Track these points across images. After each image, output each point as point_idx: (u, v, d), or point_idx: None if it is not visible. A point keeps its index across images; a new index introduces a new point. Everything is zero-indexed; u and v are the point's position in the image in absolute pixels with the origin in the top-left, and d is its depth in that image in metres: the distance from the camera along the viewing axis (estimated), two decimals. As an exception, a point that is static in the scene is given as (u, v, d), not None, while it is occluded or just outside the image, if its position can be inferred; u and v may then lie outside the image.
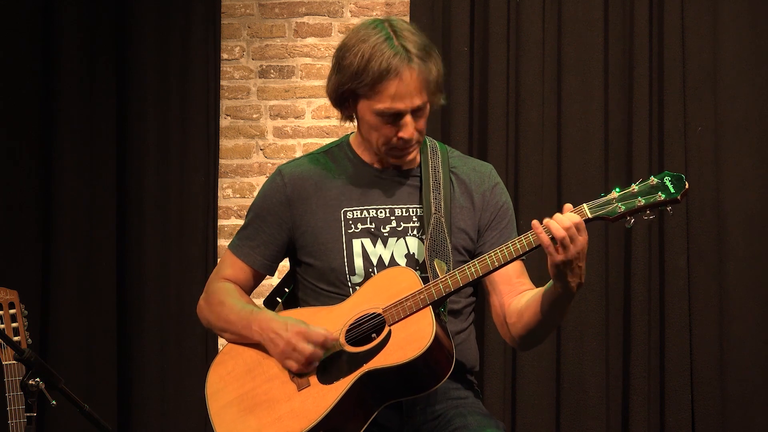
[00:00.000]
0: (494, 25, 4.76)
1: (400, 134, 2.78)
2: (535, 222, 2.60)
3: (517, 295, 2.84)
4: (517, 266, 2.87)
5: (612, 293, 4.67)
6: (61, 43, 4.90)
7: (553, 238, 2.58)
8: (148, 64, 5.04)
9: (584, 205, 2.63)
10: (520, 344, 2.87)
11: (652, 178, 2.62)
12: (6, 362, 3.48)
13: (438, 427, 2.78)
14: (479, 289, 2.94)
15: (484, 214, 2.89)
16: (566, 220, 2.58)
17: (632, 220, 2.63)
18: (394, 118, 2.76)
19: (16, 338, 3.54)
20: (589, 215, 2.62)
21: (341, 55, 2.79)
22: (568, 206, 2.62)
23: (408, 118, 2.76)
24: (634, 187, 2.63)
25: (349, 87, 2.78)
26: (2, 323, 3.54)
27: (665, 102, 4.66)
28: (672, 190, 2.61)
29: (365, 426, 2.68)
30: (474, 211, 2.89)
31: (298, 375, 2.75)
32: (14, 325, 3.55)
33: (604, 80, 4.72)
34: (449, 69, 4.74)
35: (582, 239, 2.58)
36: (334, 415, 2.66)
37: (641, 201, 2.61)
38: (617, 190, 2.63)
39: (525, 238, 2.65)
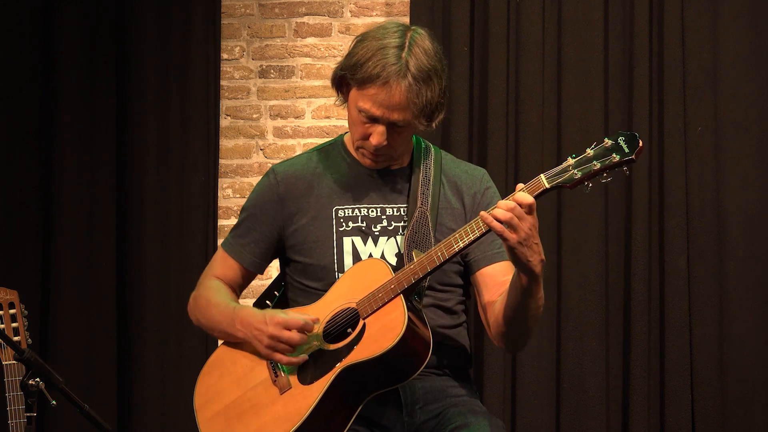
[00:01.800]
0: (494, 25, 4.76)
1: (370, 138, 2.80)
2: (482, 213, 2.61)
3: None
4: (504, 265, 2.87)
5: (612, 293, 4.67)
6: (61, 43, 4.90)
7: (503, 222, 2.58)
8: (148, 64, 5.04)
9: (541, 175, 2.62)
10: (505, 343, 2.85)
11: (606, 140, 2.62)
12: (6, 362, 3.48)
13: (438, 426, 2.78)
14: (470, 288, 2.94)
15: (474, 217, 2.89)
16: (509, 202, 2.58)
17: (590, 185, 2.63)
18: (371, 120, 2.79)
19: (16, 338, 3.54)
20: (547, 185, 2.61)
21: (356, 43, 2.84)
22: (519, 185, 2.63)
23: (381, 128, 2.79)
24: (589, 152, 2.63)
25: (345, 74, 2.82)
26: (2, 323, 3.54)
27: (665, 102, 4.66)
28: (626, 150, 2.60)
29: (350, 422, 2.68)
30: (464, 213, 2.91)
31: (286, 372, 2.75)
32: (14, 325, 3.55)
33: (604, 80, 4.72)
34: (449, 69, 4.72)
35: (531, 217, 2.58)
36: (316, 414, 2.67)
37: (597, 165, 2.60)
38: (573, 156, 2.63)
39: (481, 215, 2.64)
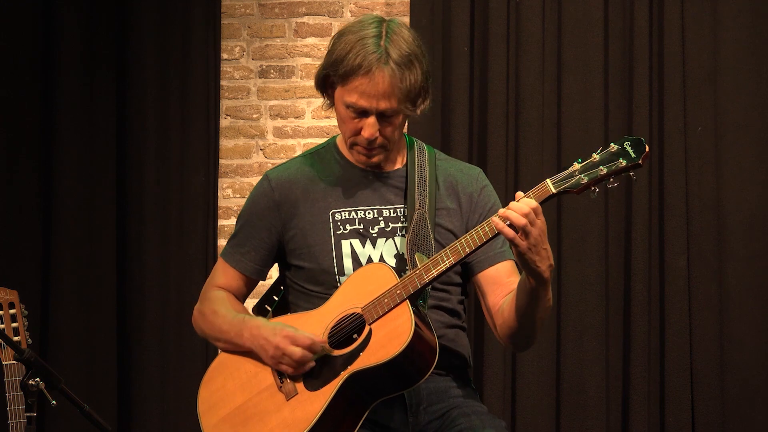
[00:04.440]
0: (494, 25, 4.76)
1: (362, 132, 2.80)
2: (493, 218, 2.60)
3: (507, 295, 2.84)
4: (507, 265, 2.87)
5: (612, 293, 4.67)
6: (61, 43, 4.90)
7: (513, 227, 2.56)
8: (148, 64, 5.04)
9: (547, 180, 2.62)
10: (511, 344, 2.85)
11: (612, 144, 2.62)
12: (6, 362, 3.48)
13: (442, 427, 2.78)
14: (468, 286, 2.94)
15: (472, 216, 2.88)
16: (523, 206, 2.57)
17: (596, 190, 2.62)
18: (360, 114, 2.79)
19: (16, 338, 3.54)
20: (554, 190, 2.61)
21: (334, 41, 2.83)
22: (519, 194, 2.61)
23: (372, 119, 2.78)
24: (595, 156, 2.62)
25: (328, 72, 2.81)
26: (2, 323, 3.54)
27: (665, 102, 4.66)
28: (633, 155, 2.59)
29: (357, 427, 2.67)
30: (461, 213, 2.89)
31: (292, 378, 2.75)
32: (14, 325, 3.55)
33: (604, 80, 4.72)
34: (449, 69, 4.74)
35: (540, 222, 2.57)
36: (324, 420, 2.66)
37: (603, 170, 2.60)
38: (579, 161, 2.62)
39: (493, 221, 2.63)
